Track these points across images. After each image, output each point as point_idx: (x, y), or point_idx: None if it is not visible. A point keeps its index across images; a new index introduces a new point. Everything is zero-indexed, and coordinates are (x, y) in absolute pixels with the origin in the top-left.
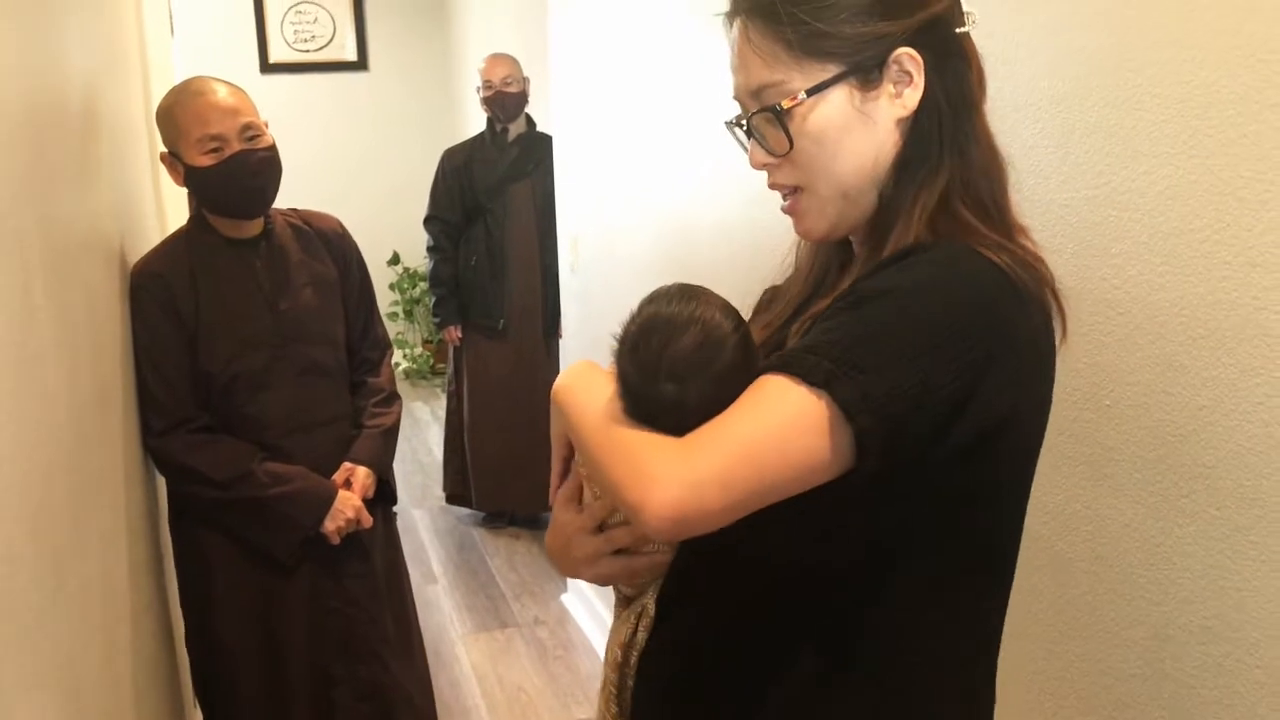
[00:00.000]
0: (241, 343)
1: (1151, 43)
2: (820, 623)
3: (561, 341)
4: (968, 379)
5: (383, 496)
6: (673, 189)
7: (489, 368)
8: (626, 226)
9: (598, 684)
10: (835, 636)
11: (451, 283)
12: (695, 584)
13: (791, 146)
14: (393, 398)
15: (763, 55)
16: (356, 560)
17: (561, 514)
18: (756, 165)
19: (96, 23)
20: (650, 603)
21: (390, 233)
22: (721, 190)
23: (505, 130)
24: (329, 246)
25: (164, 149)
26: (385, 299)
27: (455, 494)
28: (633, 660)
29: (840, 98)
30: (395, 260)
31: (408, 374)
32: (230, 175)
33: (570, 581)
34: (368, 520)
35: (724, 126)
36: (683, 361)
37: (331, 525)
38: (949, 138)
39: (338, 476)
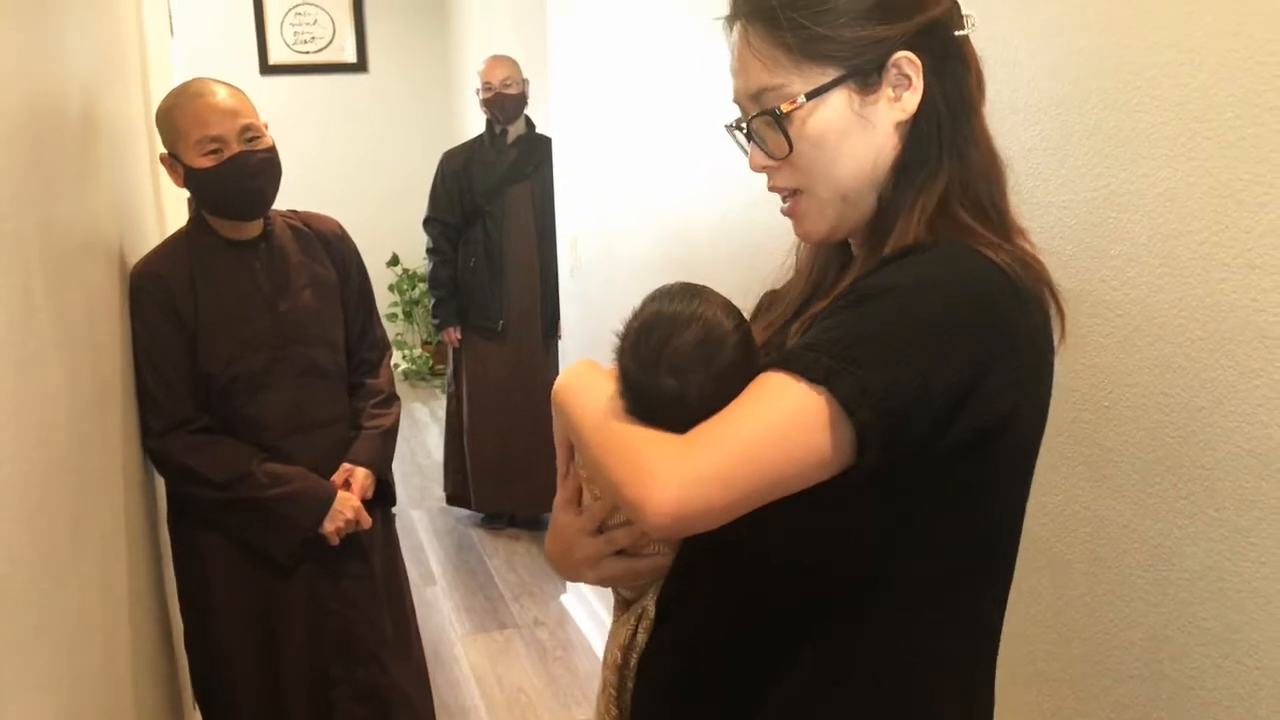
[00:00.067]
0: (241, 344)
1: (1150, 45)
2: (820, 623)
3: (561, 343)
4: (967, 376)
5: (382, 497)
6: (672, 191)
7: (488, 369)
8: (626, 228)
9: (597, 685)
10: (835, 636)
11: (451, 284)
12: (695, 584)
13: (791, 150)
14: (391, 399)
15: (762, 59)
16: (355, 561)
17: (561, 516)
18: (756, 168)
19: (96, 24)
20: (650, 604)
21: (389, 234)
22: (721, 192)
23: (504, 132)
24: (328, 248)
25: (164, 150)
26: (384, 300)
27: (455, 495)
28: (632, 662)
29: (839, 101)
30: (394, 262)
31: (407, 375)
32: (230, 177)
33: (569, 583)
34: (367, 521)
35: (724, 129)
36: (683, 357)
37: (331, 526)
38: (948, 140)
39: (337, 477)
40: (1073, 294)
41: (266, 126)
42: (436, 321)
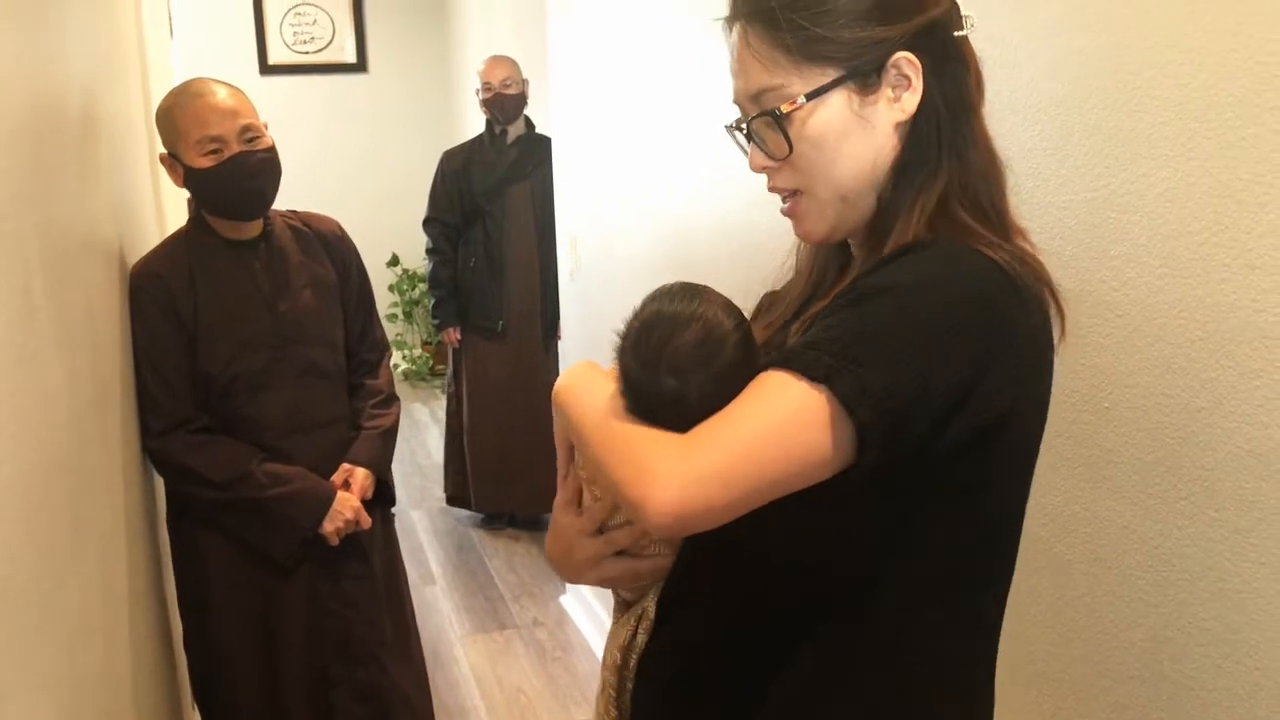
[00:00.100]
0: (241, 344)
1: (1150, 45)
2: (820, 623)
3: (561, 343)
4: (967, 376)
5: (381, 498)
6: (672, 191)
7: (488, 369)
8: (625, 228)
9: (596, 685)
10: (835, 636)
11: (450, 284)
12: (695, 585)
13: (791, 150)
14: (391, 399)
15: (762, 60)
16: (355, 561)
17: (561, 517)
18: (756, 169)
19: (95, 25)
20: (650, 605)
21: (389, 234)
22: (720, 192)
23: (504, 132)
24: (328, 248)
25: (163, 150)
26: (384, 301)
27: (456, 495)
28: (632, 663)
29: (839, 102)
30: (394, 262)
31: (407, 375)
32: (229, 176)
33: (569, 584)
34: (366, 521)
35: (724, 130)
36: (684, 356)
37: (330, 526)
38: (947, 141)
39: (336, 477)
40: (1073, 294)
41: (266, 126)
42: (436, 322)
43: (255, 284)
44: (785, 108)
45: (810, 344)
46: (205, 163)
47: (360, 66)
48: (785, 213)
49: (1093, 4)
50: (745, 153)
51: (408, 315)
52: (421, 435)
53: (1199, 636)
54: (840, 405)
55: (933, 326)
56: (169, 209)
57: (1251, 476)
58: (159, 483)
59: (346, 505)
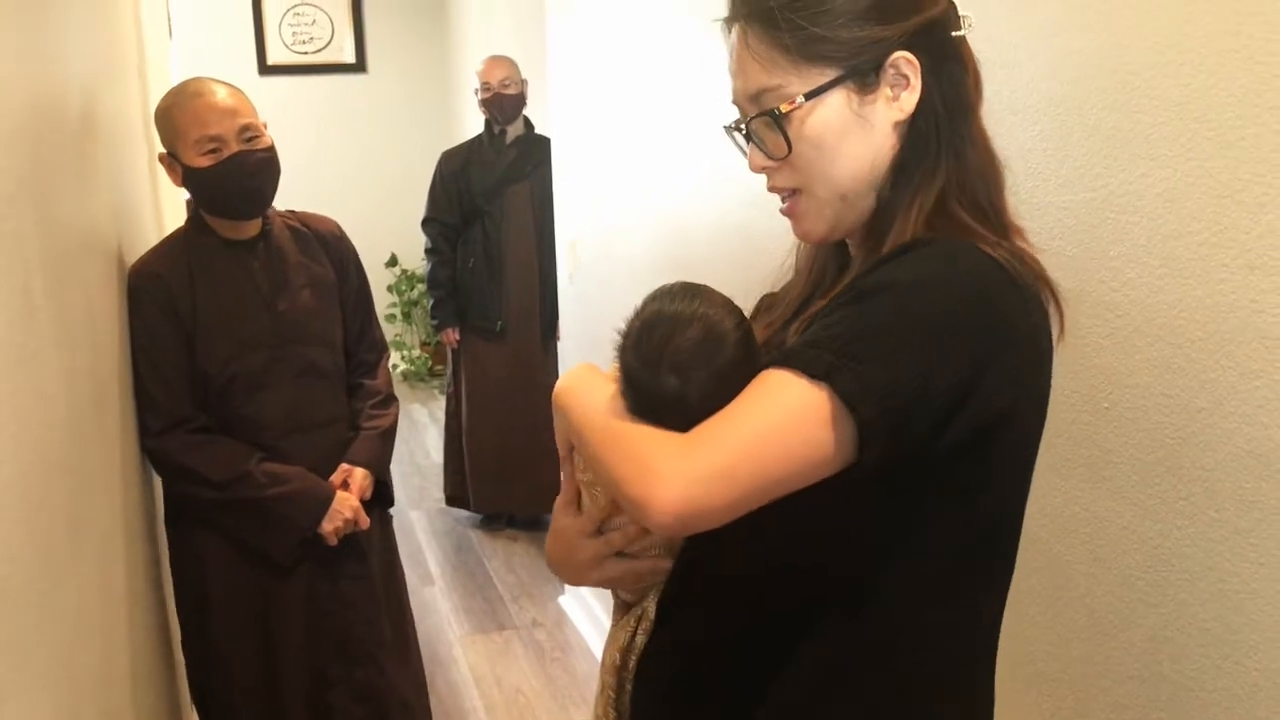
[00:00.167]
0: (240, 343)
1: (1150, 45)
2: (820, 622)
3: (560, 343)
4: (967, 375)
5: (380, 498)
6: (671, 191)
7: (487, 370)
8: (625, 228)
9: (595, 686)
10: (834, 636)
11: (449, 285)
12: (695, 585)
13: (790, 150)
14: (390, 400)
15: (761, 60)
16: (354, 562)
17: (561, 519)
18: (755, 169)
19: (95, 25)
20: (650, 605)
21: (388, 235)
22: (720, 192)
23: (503, 132)
24: (327, 248)
25: (162, 150)
26: (383, 301)
27: (455, 496)
28: (631, 664)
29: (838, 101)
30: (393, 262)
31: (406, 376)
32: (229, 176)
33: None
34: (365, 521)
35: (723, 131)
36: (685, 355)
37: (329, 526)
38: (946, 140)
39: (335, 478)
40: (1072, 295)
41: (265, 126)
42: (435, 322)
43: (254, 283)
44: (784, 107)
45: (811, 342)
46: (204, 162)
47: (359, 67)
48: (784, 212)
49: (1092, 4)
50: (744, 153)
51: (406, 316)
52: (420, 436)
53: (1199, 637)
54: (841, 403)
55: (933, 325)
56: (168, 209)
57: (1251, 477)
58: (158, 483)
59: (345, 505)
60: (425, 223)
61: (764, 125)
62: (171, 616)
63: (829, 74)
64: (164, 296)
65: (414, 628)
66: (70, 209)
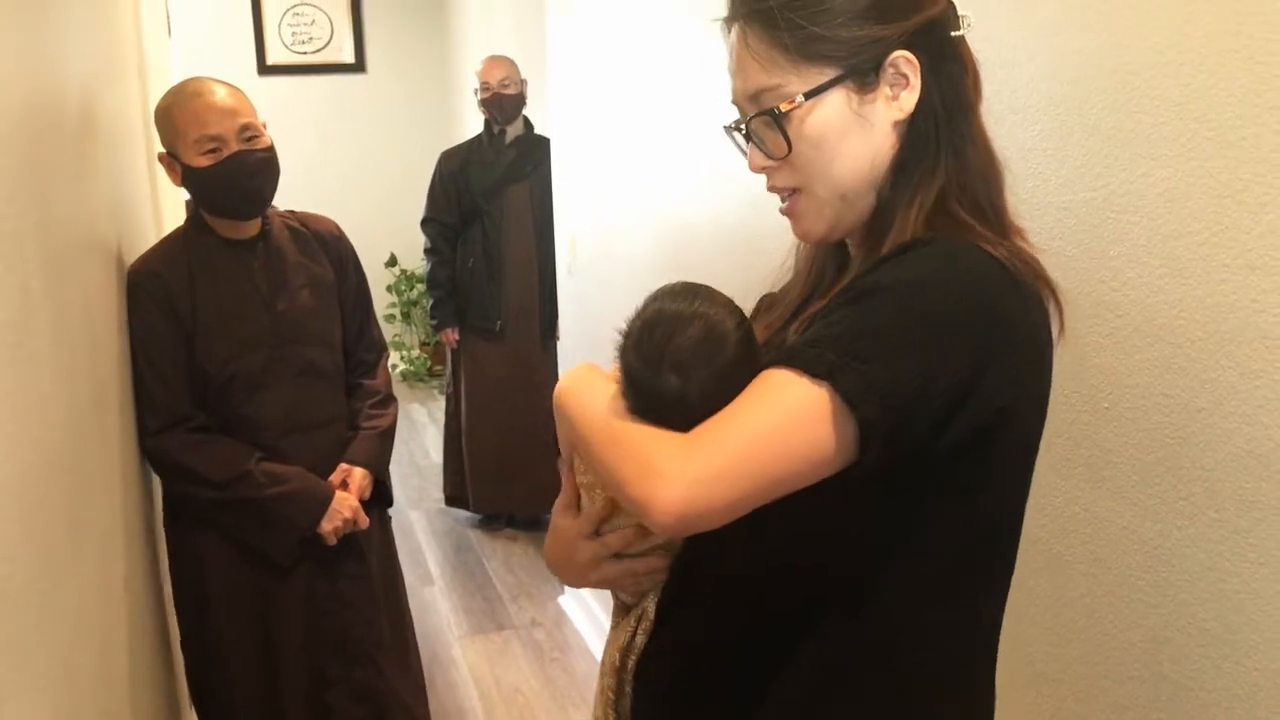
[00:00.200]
0: (239, 343)
1: (1150, 45)
2: (819, 623)
3: (559, 343)
4: (967, 375)
5: (379, 498)
6: (670, 191)
7: (486, 370)
8: (624, 228)
9: (595, 686)
10: (834, 636)
11: (449, 285)
12: (695, 585)
13: (790, 150)
14: (389, 400)
15: (760, 60)
16: (353, 561)
17: (560, 521)
18: (755, 168)
19: (94, 24)
20: (650, 606)
21: (387, 235)
22: (719, 191)
23: (503, 132)
24: (326, 249)
25: (162, 149)
26: (382, 301)
27: (454, 496)
28: (630, 665)
29: (838, 101)
30: (392, 262)
31: (405, 376)
32: (228, 176)
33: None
34: (364, 521)
35: (722, 131)
36: (686, 354)
37: (328, 526)
38: (945, 140)
39: (334, 477)
40: (1072, 295)
41: (265, 126)
42: (434, 322)
43: (253, 283)
44: (784, 107)
45: (811, 341)
46: (204, 162)
47: (359, 67)
48: (784, 212)
49: (1092, 4)
50: (744, 153)
51: (406, 316)
52: (419, 436)
53: (1199, 637)
54: (843, 402)
55: (933, 325)
56: (167, 209)
57: (1251, 477)
58: (157, 482)
59: (345, 505)
60: (424, 223)
61: (764, 125)
62: (170, 616)
63: (828, 73)
64: (163, 295)
65: (413, 628)
66: (69, 208)
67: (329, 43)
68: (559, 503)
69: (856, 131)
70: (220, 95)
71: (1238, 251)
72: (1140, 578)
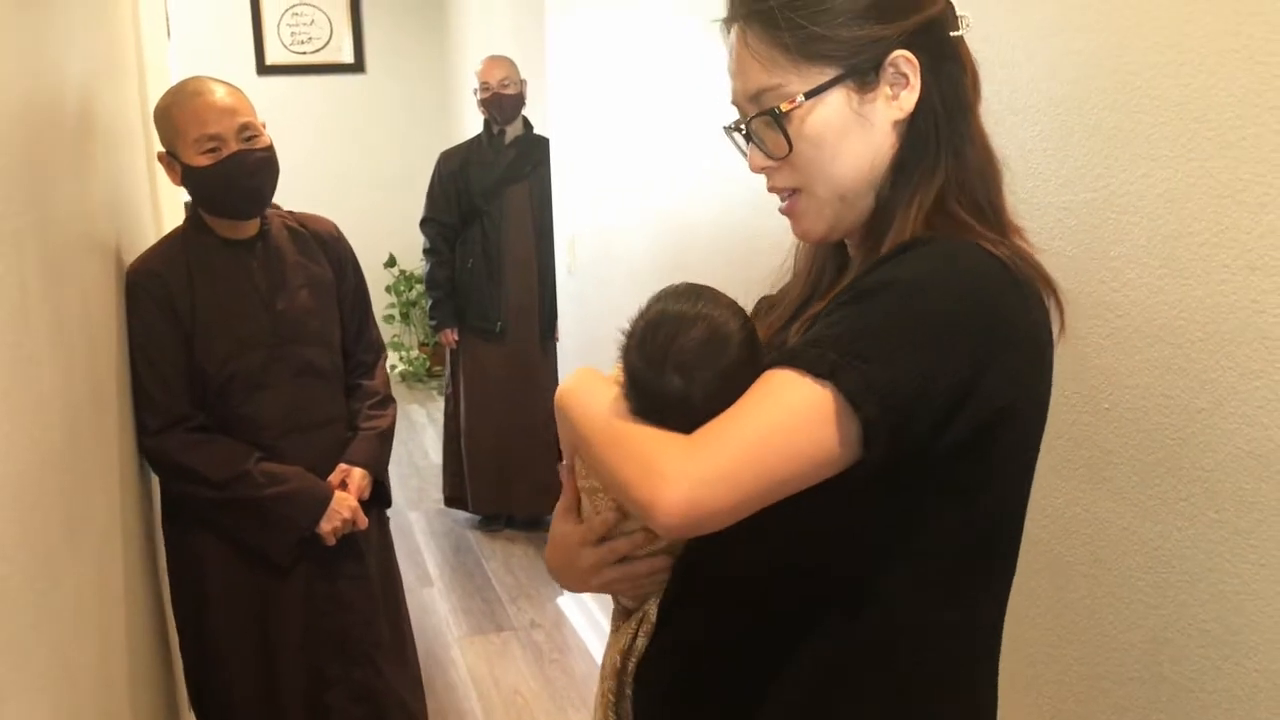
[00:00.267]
0: (239, 342)
1: (1150, 45)
2: (820, 623)
3: (559, 343)
4: (967, 374)
5: (377, 499)
6: (670, 191)
7: (486, 370)
8: (623, 228)
9: (594, 687)
10: (835, 636)
11: (448, 285)
12: (697, 586)
13: (791, 149)
14: (388, 400)
15: (761, 59)
16: (351, 562)
17: (560, 527)
18: (755, 169)
19: (93, 24)
20: (651, 608)
21: (387, 235)
22: (718, 191)
23: (502, 132)
24: (325, 249)
25: (161, 149)
26: (381, 301)
27: (454, 496)
28: (630, 667)
29: (838, 100)
30: (391, 263)
31: (404, 377)
32: (228, 175)
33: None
34: (363, 521)
35: (722, 131)
36: (690, 355)
37: (328, 526)
38: (945, 139)
39: (333, 478)
40: (1072, 295)
41: (264, 125)
42: (434, 323)
43: (252, 283)
44: (784, 106)
45: (813, 341)
46: (203, 161)
47: (358, 67)
48: (784, 211)
49: (1092, 4)
50: (744, 154)
51: (405, 316)
52: (419, 436)
53: (1199, 638)
54: (846, 401)
55: (933, 325)
56: (166, 208)
57: (1251, 478)
58: (156, 482)
59: (344, 505)
60: (424, 223)
61: (764, 125)
62: (169, 617)
63: (829, 73)
64: (162, 295)
65: (411, 628)
66: (68, 208)
67: (328, 43)
68: (559, 508)
69: (857, 131)
70: (220, 95)
71: (1238, 252)
72: (1140, 579)
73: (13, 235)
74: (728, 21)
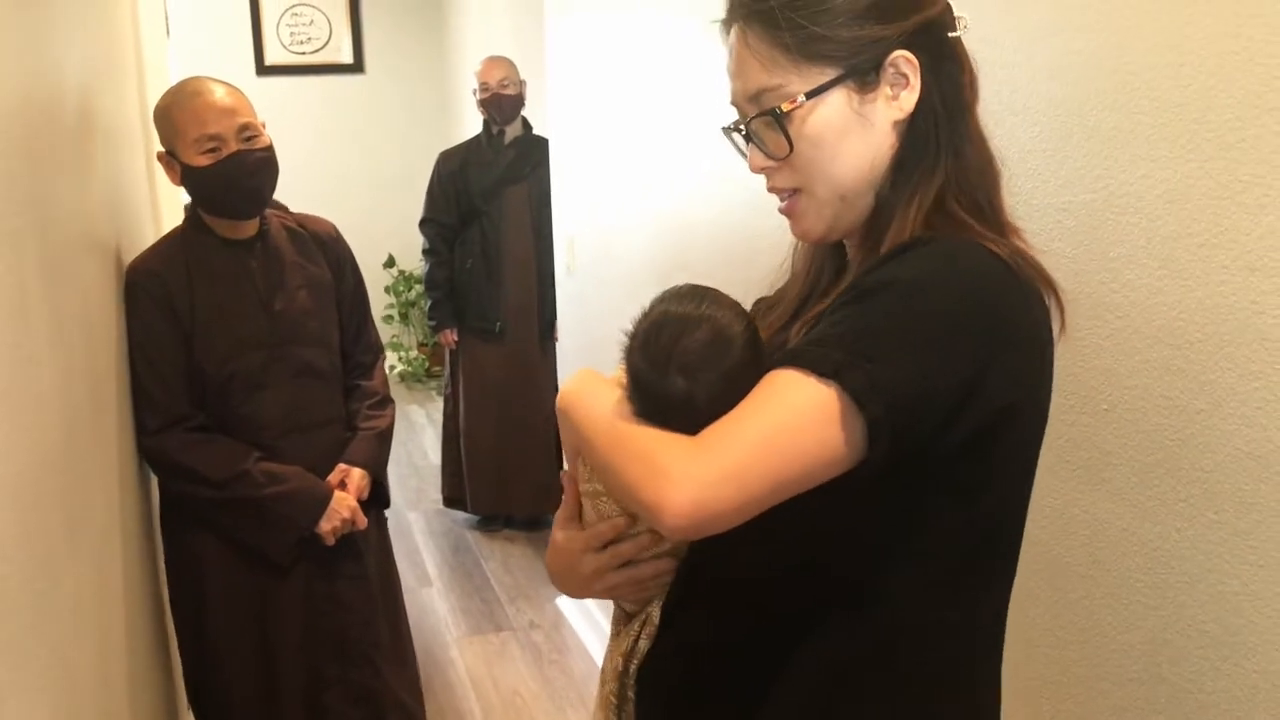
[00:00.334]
0: (239, 342)
1: (1150, 46)
2: (823, 623)
3: (558, 344)
4: (969, 374)
5: (376, 499)
6: (669, 191)
7: (485, 371)
8: (622, 228)
9: (593, 687)
10: (837, 637)
11: (447, 286)
12: (700, 588)
13: (791, 149)
14: (386, 401)
15: (761, 59)
16: (351, 562)
17: (561, 534)
18: (755, 169)
19: (92, 24)
20: (654, 610)
21: (386, 235)
22: (717, 192)
23: (501, 133)
24: (323, 249)
25: (161, 149)
26: (381, 302)
27: (453, 497)
28: (633, 669)
29: (839, 100)
30: (391, 263)
31: (403, 377)
32: (227, 175)
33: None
34: (362, 521)
35: (720, 132)
36: (693, 355)
37: (327, 525)
38: (945, 139)
39: (332, 478)
40: (1072, 296)
41: (264, 126)
42: (433, 323)
43: (252, 283)
44: (785, 106)
45: (817, 341)
46: (203, 161)
47: (357, 67)
48: (783, 211)
49: (1092, 5)
50: (743, 154)
51: (404, 317)
52: (418, 437)
53: (1198, 639)
54: (851, 401)
55: (934, 325)
56: (165, 208)
57: (1250, 479)
58: (154, 483)
59: (343, 505)
60: (423, 223)
61: (765, 125)
62: (168, 617)
63: (829, 73)
64: (161, 294)
65: (409, 628)
66: (67, 208)
67: (327, 43)
68: (560, 515)
69: (857, 131)
70: (220, 95)
71: (1237, 253)
72: (1139, 579)
73: (12, 235)
74: (727, 22)
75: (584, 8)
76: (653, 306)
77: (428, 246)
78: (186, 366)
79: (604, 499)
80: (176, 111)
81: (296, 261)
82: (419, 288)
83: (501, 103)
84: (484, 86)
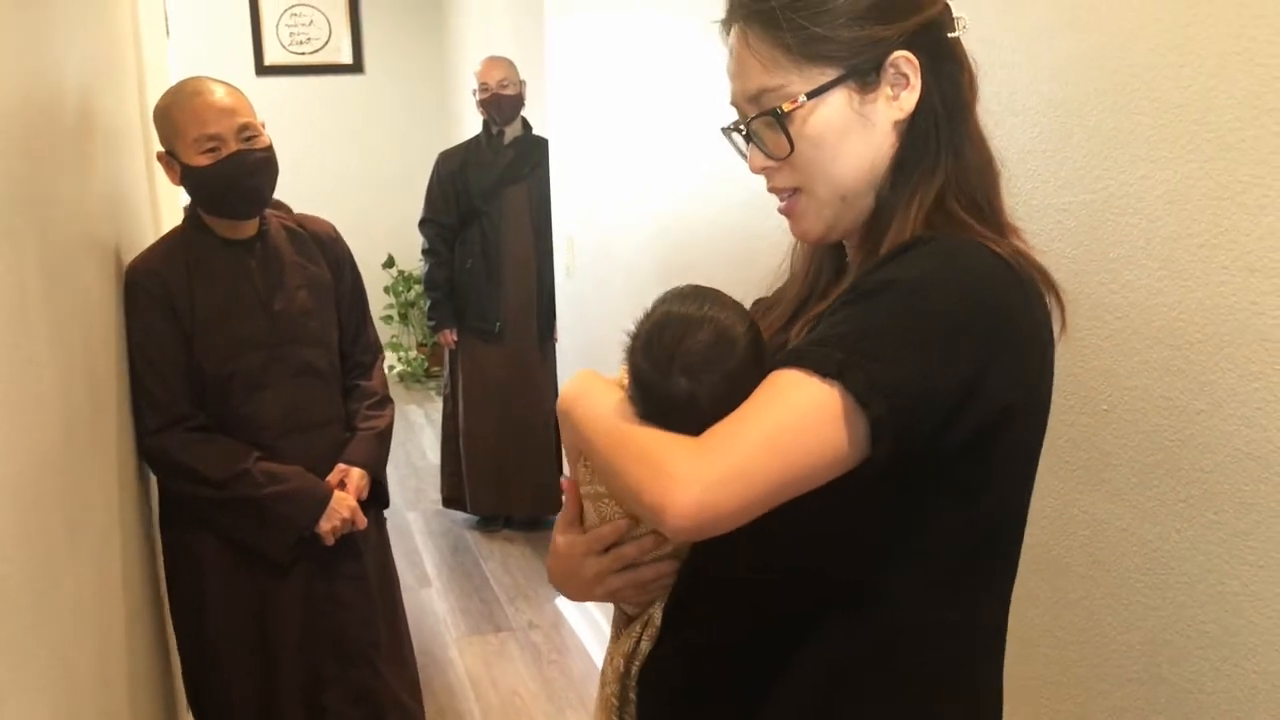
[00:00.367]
0: (238, 342)
1: (1150, 47)
2: (824, 624)
3: (557, 344)
4: (970, 374)
5: (375, 499)
6: (668, 191)
7: (484, 371)
8: (622, 229)
9: (592, 688)
10: (838, 637)
11: (446, 286)
12: (701, 589)
13: (792, 150)
14: (385, 401)
15: (762, 60)
16: (350, 562)
17: (562, 538)
18: (756, 169)
19: (92, 24)
20: (656, 612)
21: (385, 236)
22: (717, 192)
23: (501, 133)
24: (323, 249)
25: (161, 149)
26: (380, 302)
27: (452, 497)
28: (634, 671)
29: (839, 100)
30: (390, 263)
31: (402, 377)
32: (227, 175)
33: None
34: (362, 521)
35: (720, 133)
36: (696, 356)
37: (327, 525)
38: (945, 139)
39: (332, 478)
40: (1072, 296)
41: (264, 125)
42: (432, 323)
43: (251, 283)
44: (786, 107)
45: (819, 341)
46: (203, 161)
47: (357, 67)
48: (783, 211)
49: (1092, 6)
50: (743, 155)
51: (403, 317)
52: (417, 437)
53: (1197, 639)
54: (853, 400)
55: (936, 325)
56: (165, 208)
57: (1250, 479)
58: (154, 483)
59: (343, 504)
60: (422, 223)
61: (765, 125)
62: (168, 616)
63: (830, 73)
64: (161, 294)
65: (408, 628)
66: (67, 208)
67: (327, 43)
68: (560, 519)
69: (857, 131)
70: (219, 94)
71: (1237, 254)
72: (1139, 580)
73: (12, 234)
74: (727, 22)
75: (584, 8)
76: (655, 307)
77: (427, 247)
78: (186, 366)
79: (606, 500)
80: (176, 111)
81: (296, 261)
82: (418, 288)
83: (501, 103)
84: (483, 87)
